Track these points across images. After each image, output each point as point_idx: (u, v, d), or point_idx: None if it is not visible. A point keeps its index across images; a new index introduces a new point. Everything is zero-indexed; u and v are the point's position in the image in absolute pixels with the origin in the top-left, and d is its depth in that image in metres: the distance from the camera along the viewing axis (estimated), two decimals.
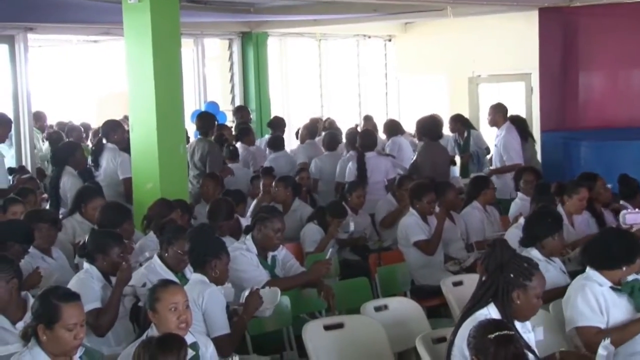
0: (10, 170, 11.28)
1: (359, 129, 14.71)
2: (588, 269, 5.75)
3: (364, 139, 11.94)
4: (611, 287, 5.63)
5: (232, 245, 7.18)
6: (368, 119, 15.89)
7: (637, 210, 8.37)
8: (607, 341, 5.10)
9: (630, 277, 5.69)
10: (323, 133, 14.25)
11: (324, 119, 16.30)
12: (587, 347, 5.39)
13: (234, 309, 6.16)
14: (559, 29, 14.72)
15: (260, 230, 7.23)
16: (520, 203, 9.17)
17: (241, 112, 15.68)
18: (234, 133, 13.97)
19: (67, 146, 11.77)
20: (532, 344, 4.89)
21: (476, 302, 5.03)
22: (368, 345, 5.90)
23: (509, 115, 12.64)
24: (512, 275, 4.94)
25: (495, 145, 11.78)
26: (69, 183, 10.15)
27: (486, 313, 4.80)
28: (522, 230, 7.08)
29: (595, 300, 5.58)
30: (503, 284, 4.93)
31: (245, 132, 13.68)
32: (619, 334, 5.45)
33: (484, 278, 5.14)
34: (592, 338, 5.43)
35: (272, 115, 16.14)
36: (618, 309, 5.58)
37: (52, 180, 10.39)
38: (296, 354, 6.28)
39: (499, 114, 12.08)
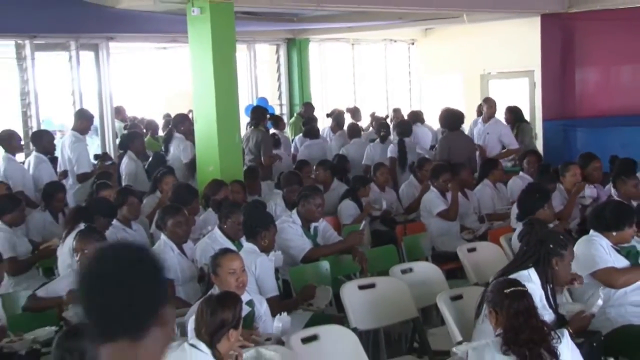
0: (95, 157, 11.38)
1: (388, 121, 14.72)
2: (591, 230, 5.72)
3: (401, 127, 12.07)
4: (612, 246, 5.59)
5: (280, 218, 7.20)
6: (397, 111, 15.83)
7: (593, 186, 8.54)
8: (602, 291, 5.17)
9: (627, 244, 5.63)
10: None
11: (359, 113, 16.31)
12: (608, 286, 5.40)
13: None
14: (558, 32, 14.72)
15: (304, 206, 7.27)
16: (520, 181, 9.07)
17: (306, 107, 15.81)
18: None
19: (128, 135, 12.01)
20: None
21: (517, 266, 5.05)
22: (395, 302, 5.88)
23: (507, 106, 12.75)
24: (551, 246, 4.97)
25: (488, 133, 11.51)
26: (126, 165, 10.39)
27: (526, 274, 4.80)
28: (517, 207, 7.08)
29: (603, 248, 5.55)
30: (544, 253, 4.95)
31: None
32: (630, 274, 5.47)
33: (525, 248, 5.18)
34: (611, 277, 5.44)
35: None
36: (619, 263, 5.53)
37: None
38: (335, 309, 6.26)
39: (494, 107, 11.95)
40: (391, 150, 11.51)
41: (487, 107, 11.86)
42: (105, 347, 2.15)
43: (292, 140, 14.05)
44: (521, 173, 9.47)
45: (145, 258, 2.28)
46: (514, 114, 12.51)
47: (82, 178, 9.69)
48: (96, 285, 2.19)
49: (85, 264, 2.29)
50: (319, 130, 13.32)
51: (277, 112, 16.14)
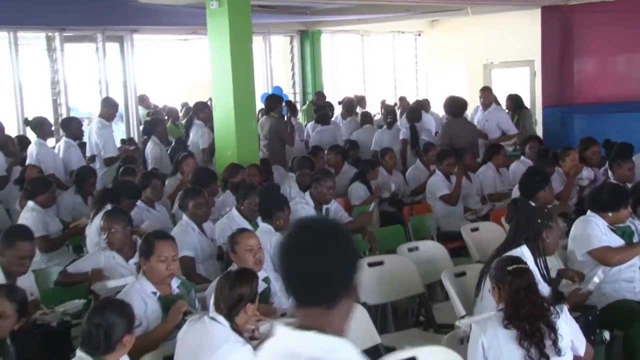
0: (122, 141, 11.46)
1: (396, 108, 14.70)
2: (588, 211, 5.70)
3: (412, 113, 12.15)
4: (608, 226, 5.57)
5: (293, 200, 7.20)
6: (402, 99, 15.80)
7: (590, 168, 8.63)
8: (601, 271, 5.17)
9: (622, 224, 5.62)
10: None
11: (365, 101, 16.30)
12: (603, 264, 5.40)
13: None
14: (557, 23, 14.68)
15: (316, 188, 7.28)
16: (521, 165, 9.03)
17: (318, 96, 15.78)
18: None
19: (150, 121, 12.07)
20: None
21: (509, 245, 5.05)
22: (403, 278, 5.88)
23: (508, 94, 12.80)
24: (539, 221, 5.01)
25: (487, 120, 11.43)
26: (151, 149, 10.44)
27: (520, 252, 4.79)
28: (518, 189, 7.09)
29: (599, 228, 5.54)
30: (534, 229, 4.98)
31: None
32: (624, 252, 5.46)
33: (515, 227, 5.16)
34: (606, 255, 5.44)
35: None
36: (615, 242, 5.52)
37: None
38: None
39: (491, 95, 11.95)
40: (403, 134, 11.69)
41: (484, 96, 11.83)
42: (301, 310, 2.27)
43: (305, 127, 14.04)
44: (522, 157, 9.42)
45: (342, 234, 2.35)
46: (514, 101, 12.57)
47: (108, 162, 9.75)
48: (297, 256, 2.28)
49: (287, 235, 2.35)
50: (330, 117, 13.30)
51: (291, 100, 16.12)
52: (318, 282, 2.24)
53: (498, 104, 12.81)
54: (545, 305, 3.94)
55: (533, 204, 6.50)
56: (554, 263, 5.65)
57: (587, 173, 8.58)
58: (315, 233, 2.31)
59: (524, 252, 4.82)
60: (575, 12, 14.40)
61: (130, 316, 3.66)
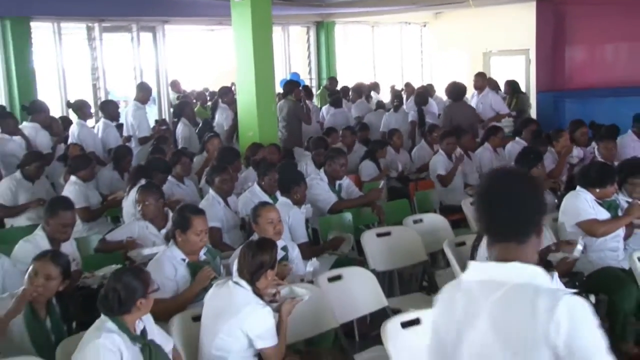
0: (156, 121, 11.53)
1: (403, 93, 14.65)
2: (578, 186, 5.67)
3: (420, 97, 12.43)
4: (595, 200, 5.55)
5: (309, 176, 7.20)
6: (408, 85, 15.75)
7: (580, 148, 8.70)
8: (581, 239, 5.12)
9: (609, 199, 5.59)
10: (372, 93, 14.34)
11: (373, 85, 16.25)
12: (590, 235, 5.41)
13: None
14: (551, 15, 14.64)
15: (330, 165, 7.26)
16: (517, 145, 8.98)
17: (331, 81, 15.77)
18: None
19: (179, 104, 12.13)
20: None
21: None
22: (408, 248, 5.89)
23: (506, 80, 12.93)
24: None
25: (482, 103, 11.48)
26: (181, 130, 10.46)
27: None
28: (515, 165, 7.08)
29: (587, 202, 5.52)
30: None
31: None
32: (609, 224, 5.43)
33: None
34: (593, 227, 5.42)
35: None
36: (601, 215, 5.49)
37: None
38: (356, 253, 6.27)
39: (485, 80, 11.92)
40: (412, 116, 11.89)
41: (475, 80, 11.88)
42: (497, 245, 2.44)
43: (320, 110, 14.03)
44: (517, 138, 9.36)
45: (533, 181, 2.57)
46: (511, 86, 12.66)
47: (142, 141, 9.79)
48: (495, 199, 2.48)
49: (487, 184, 2.58)
50: (342, 101, 13.29)
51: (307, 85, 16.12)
52: (517, 222, 2.42)
53: (497, 88, 12.82)
54: None
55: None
56: (545, 234, 5.64)
57: (577, 152, 8.60)
58: (513, 181, 2.52)
59: None
60: (567, 4, 14.38)
61: (145, 282, 3.65)
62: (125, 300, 3.60)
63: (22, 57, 13.02)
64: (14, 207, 7.29)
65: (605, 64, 14.55)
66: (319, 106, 14.64)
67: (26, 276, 4.12)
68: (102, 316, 3.63)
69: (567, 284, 4.13)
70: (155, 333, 3.80)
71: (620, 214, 5.60)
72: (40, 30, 13.59)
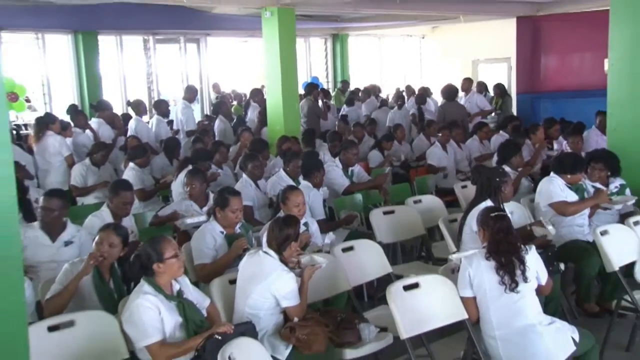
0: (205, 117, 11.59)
1: (404, 94, 14.56)
2: (552, 172, 5.60)
3: (419, 97, 12.48)
4: (566, 185, 5.48)
5: (326, 163, 7.16)
6: (408, 87, 15.55)
7: (563, 140, 8.57)
8: (550, 220, 5.11)
9: (578, 184, 5.54)
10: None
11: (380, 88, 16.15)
12: (560, 214, 5.38)
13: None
14: (529, 29, 14.64)
15: (344, 154, 7.24)
16: (500, 138, 8.88)
17: (343, 83, 15.72)
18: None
19: (217, 103, 12.16)
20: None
21: (478, 199, 5.03)
22: (410, 223, 5.84)
23: (495, 83, 12.86)
24: (497, 179, 5.04)
25: (469, 103, 11.64)
26: (217, 125, 10.39)
27: (485, 204, 4.76)
28: (497, 155, 7.11)
29: (559, 186, 5.45)
30: (495, 186, 5.00)
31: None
32: (576, 205, 5.39)
33: (480, 187, 5.14)
34: (563, 208, 5.38)
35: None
36: (571, 197, 5.43)
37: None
38: (365, 228, 6.24)
39: (470, 83, 12.24)
40: (412, 111, 12.01)
41: (462, 83, 12.06)
42: None
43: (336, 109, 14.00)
44: (501, 132, 9.24)
45: None
46: (500, 89, 12.73)
47: (190, 134, 9.79)
48: None
49: None
50: (354, 101, 13.25)
51: (325, 87, 16.07)
52: None
53: (485, 90, 12.88)
54: (519, 244, 3.89)
55: (508, 167, 6.45)
56: (524, 212, 5.60)
57: (557, 145, 8.50)
58: None
59: (488, 204, 4.76)
60: (542, 21, 14.37)
61: (159, 249, 3.61)
62: (145, 264, 3.62)
63: (90, 64, 13.17)
64: (84, 188, 7.35)
65: (574, 70, 14.48)
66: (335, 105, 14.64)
67: (93, 244, 4.16)
68: (142, 280, 3.64)
69: (542, 254, 4.09)
70: (192, 292, 3.79)
71: (586, 196, 5.53)
72: (105, 42, 13.68)
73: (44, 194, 5.00)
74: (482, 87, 13.07)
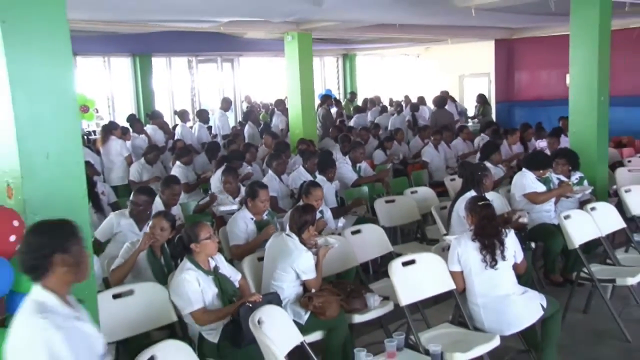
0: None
1: (402, 103, 14.46)
2: (524, 168, 5.53)
3: (413, 106, 12.41)
4: (536, 178, 5.42)
5: (338, 161, 7.11)
6: (406, 97, 15.43)
7: (543, 140, 8.41)
8: (527, 207, 5.12)
9: (545, 176, 5.47)
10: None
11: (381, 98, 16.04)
12: (532, 202, 5.32)
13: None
14: (505, 49, 14.52)
15: (352, 153, 7.16)
16: (481, 139, 8.81)
17: (351, 95, 15.65)
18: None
19: (247, 112, 12.15)
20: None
21: (464, 190, 4.98)
22: (407, 210, 5.80)
23: (478, 93, 12.78)
24: (479, 173, 4.96)
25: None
26: (247, 130, 10.38)
27: (470, 194, 4.69)
28: (479, 153, 7.05)
29: (530, 180, 5.39)
30: (477, 179, 4.93)
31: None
32: (545, 195, 5.34)
33: (464, 180, 5.11)
34: (534, 197, 5.33)
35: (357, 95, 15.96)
36: (540, 188, 5.37)
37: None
38: (371, 214, 6.20)
39: (446, 94, 12.20)
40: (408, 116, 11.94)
41: (441, 94, 12.02)
42: None
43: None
44: (482, 134, 9.18)
45: None
46: (481, 98, 12.67)
47: (225, 137, 9.74)
48: None
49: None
50: (361, 108, 13.18)
51: (337, 97, 16.00)
52: None
53: (453, 100, 12.88)
54: (500, 228, 3.83)
55: (488, 163, 6.38)
56: (502, 201, 5.54)
57: (542, 144, 8.36)
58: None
59: (472, 194, 4.69)
60: (516, 42, 14.28)
61: (195, 233, 3.60)
62: (185, 245, 3.62)
63: (145, 81, 13.28)
64: (140, 182, 7.34)
65: (541, 83, 14.34)
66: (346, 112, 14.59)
67: (148, 228, 4.19)
68: (184, 258, 3.64)
69: (517, 235, 4.03)
70: (226, 268, 3.78)
71: (552, 186, 5.48)
72: (157, 63, 13.75)
73: (134, 190, 4.95)
74: (452, 99, 13.02)
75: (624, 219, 5.13)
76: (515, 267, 3.85)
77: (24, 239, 2.12)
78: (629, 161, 7.61)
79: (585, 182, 5.85)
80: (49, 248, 2.08)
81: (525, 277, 4.49)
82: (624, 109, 10.64)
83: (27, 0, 2.66)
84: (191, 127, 10.27)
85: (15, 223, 2.44)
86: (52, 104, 2.78)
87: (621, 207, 5.43)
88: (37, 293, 2.05)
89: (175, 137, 9.41)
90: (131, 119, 9.93)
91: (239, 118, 14.34)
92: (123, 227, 4.68)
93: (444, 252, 4.09)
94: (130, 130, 9.24)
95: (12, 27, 2.62)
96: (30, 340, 1.88)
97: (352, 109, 13.63)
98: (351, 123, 12.10)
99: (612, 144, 8.20)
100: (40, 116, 2.75)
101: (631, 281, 4.42)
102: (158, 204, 5.19)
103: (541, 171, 5.41)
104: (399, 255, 4.14)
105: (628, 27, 11.12)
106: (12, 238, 2.43)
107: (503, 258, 3.74)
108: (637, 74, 12.11)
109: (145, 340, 3.38)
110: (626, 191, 5.62)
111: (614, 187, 6.40)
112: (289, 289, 3.89)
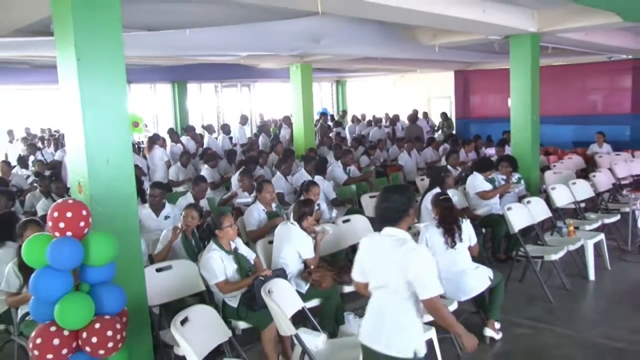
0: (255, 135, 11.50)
1: (382, 119, 14.42)
2: (474, 171, 5.52)
3: (391, 121, 12.58)
4: (485, 179, 5.42)
5: (331, 165, 7.03)
6: (386, 114, 15.28)
7: (492, 148, 8.44)
8: (476, 203, 5.04)
9: (491, 177, 5.48)
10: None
11: (366, 115, 15.95)
12: (483, 198, 5.32)
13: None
14: (462, 78, 14.46)
15: (343, 159, 7.05)
16: (444, 148, 8.79)
17: (343, 113, 15.57)
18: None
19: (260, 125, 12.08)
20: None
21: (430, 187, 4.99)
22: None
23: (441, 112, 12.87)
24: (442, 174, 4.97)
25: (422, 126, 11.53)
26: (260, 140, 10.29)
27: (435, 191, 4.72)
28: (444, 159, 7.09)
29: (480, 180, 5.41)
30: (441, 179, 4.93)
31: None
32: (492, 192, 5.39)
33: (431, 179, 5.11)
34: (484, 194, 5.36)
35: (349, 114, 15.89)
36: (488, 187, 5.40)
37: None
38: (358, 207, 6.08)
39: (416, 112, 12.10)
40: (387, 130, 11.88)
41: (413, 112, 11.84)
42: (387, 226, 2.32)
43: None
44: (445, 144, 9.18)
45: (404, 189, 2.37)
46: (445, 116, 12.68)
47: (243, 146, 9.69)
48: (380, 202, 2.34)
49: (381, 193, 2.37)
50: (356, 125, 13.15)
51: (331, 114, 15.89)
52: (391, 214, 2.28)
53: (426, 117, 12.67)
54: (457, 217, 3.83)
55: (449, 165, 6.38)
56: (461, 198, 5.53)
57: (491, 151, 8.33)
58: (391, 191, 2.35)
59: (437, 190, 4.71)
60: (471, 73, 14.24)
61: (219, 222, 3.56)
62: (212, 230, 3.61)
63: (182, 102, 13.32)
64: (177, 181, 7.34)
65: (490, 104, 14.31)
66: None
67: (181, 217, 4.17)
68: (211, 241, 3.63)
69: (471, 223, 4.03)
70: (244, 249, 3.76)
71: (497, 185, 5.52)
72: (191, 88, 13.72)
73: (149, 185, 4.99)
74: (424, 115, 12.96)
75: (550, 210, 5.25)
76: (470, 249, 3.86)
77: (387, 198, 2.35)
78: (554, 166, 7.81)
79: (522, 182, 5.93)
80: (407, 204, 2.33)
81: (477, 256, 4.51)
82: (551, 126, 10.79)
83: (96, 43, 2.78)
84: (216, 138, 10.24)
85: (84, 212, 2.45)
86: (111, 120, 2.87)
87: (548, 201, 5.52)
88: (396, 232, 2.29)
89: (204, 146, 9.38)
90: (170, 131, 9.89)
91: (254, 130, 14.28)
92: (143, 215, 4.70)
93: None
94: (170, 140, 9.21)
95: (85, 63, 2.76)
96: (426, 252, 2.27)
97: (343, 123, 13.60)
98: (343, 134, 12.11)
99: (542, 152, 8.23)
100: (103, 130, 2.84)
101: (554, 257, 4.54)
102: (189, 198, 5.18)
103: (487, 172, 5.46)
104: None
105: (551, 65, 11.22)
106: (82, 224, 2.43)
107: (461, 240, 3.75)
108: (560, 99, 12.22)
109: (180, 304, 3.39)
110: (552, 189, 5.72)
111: (544, 186, 6.51)
112: (293, 265, 3.87)
